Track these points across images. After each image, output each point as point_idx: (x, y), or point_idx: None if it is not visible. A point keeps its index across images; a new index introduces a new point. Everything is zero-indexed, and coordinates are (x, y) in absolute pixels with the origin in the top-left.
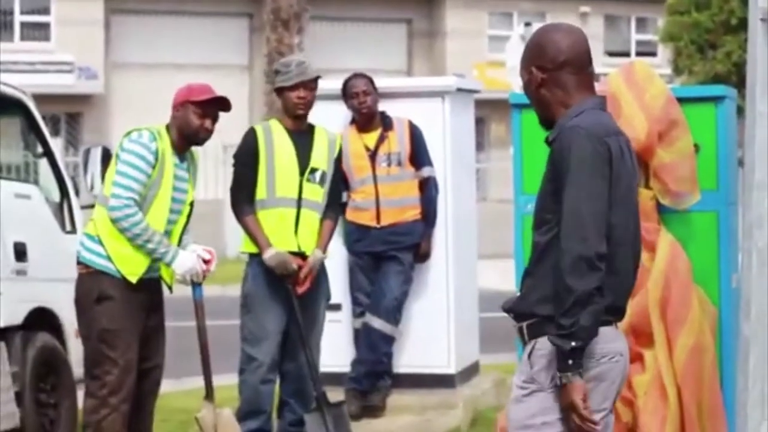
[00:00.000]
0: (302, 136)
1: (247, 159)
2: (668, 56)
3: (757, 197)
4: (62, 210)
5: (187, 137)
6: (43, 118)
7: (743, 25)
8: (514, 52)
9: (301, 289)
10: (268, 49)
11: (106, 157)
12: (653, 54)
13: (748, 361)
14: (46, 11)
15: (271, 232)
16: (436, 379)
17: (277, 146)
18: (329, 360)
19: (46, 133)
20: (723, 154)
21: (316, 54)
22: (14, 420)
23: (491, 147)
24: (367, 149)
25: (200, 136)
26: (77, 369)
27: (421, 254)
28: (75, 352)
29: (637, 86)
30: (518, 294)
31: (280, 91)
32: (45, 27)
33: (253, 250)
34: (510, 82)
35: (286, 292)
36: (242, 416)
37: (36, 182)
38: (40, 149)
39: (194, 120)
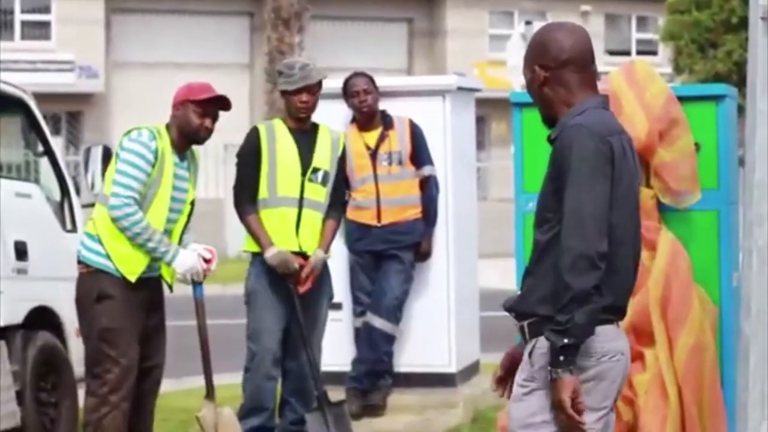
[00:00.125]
0: (305, 135)
1: (249, 158)
2: (669, 55)
3: (758, 196)
4: (63, 209)
5: (187, 136)
6: (44, 117)
7: (744, 23)
8: (514, 51)
9: (302, 289)
10: (268, 48)
11: (107, 156)
12: (654, 53)
13: (749, 360)
14: (46, 10)
15: (273, 231)
16: (437, 379)
17: (280, 146)
18: (330, 359)
19: (46, 132)
20: (723, 153)
21: (316, 53)
22: (15, 419)
23: (492, 146)
24: (368, 148)
25: (200, 135)
26: (78, 368)
27: (422, 253)
28: (75, 351)
29: (637, 85)
30: (519, 293)
31: (283, 92)
32: (46, 26)
33: (256, 249)
34: (511, 81)
35: (287, 291)
36: (245, 413)
37: (37, 181)
38: (40, 148)
39: (194, 119)
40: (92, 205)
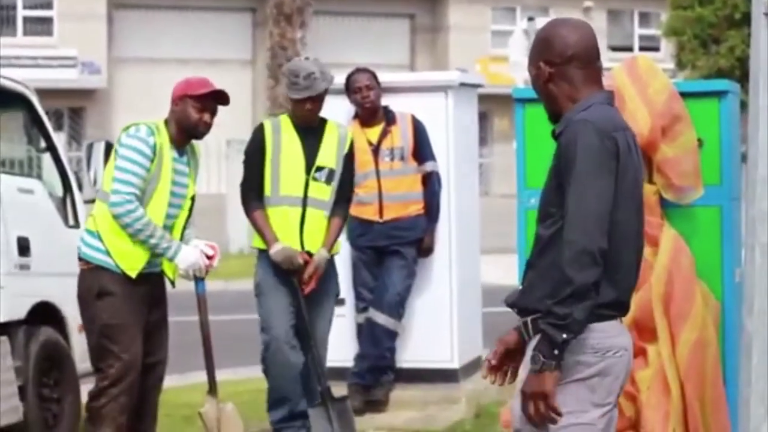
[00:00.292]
0: (311, 132)
1: (254, 155)
2: (671, 51)
3: (761, 192)
4: (65, 204)
5: (186, 131)
6: (46, 112)
7: (746, 19)
8: (517, 47)
9: (306, 289)
10: (271, 43)
11: (109, 151)
12: (656, 49)
13: (751, 356)
14: (48, 6)
15: (276, 230)
16: (439, 374)
17: (285, 144)
18: (332, 355)
19: (49, 128)
20: (726, 149)
21: (318, 49)
22: (17, 414)
23: (494, 142)
24: (370, 144)
25: (199, 130)
26: (80, 364)
27: (424, 249)
28: (78, 346)
29: (640, 81)
30: (520, 287)
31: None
32: (48, 22)
33: (263, 246)
34: (513, 77)
35: (293, 285)
36: (271, 405)
37: (39, 177)
38: (43, 144)
39: (193, 114)
40: (94, 201)
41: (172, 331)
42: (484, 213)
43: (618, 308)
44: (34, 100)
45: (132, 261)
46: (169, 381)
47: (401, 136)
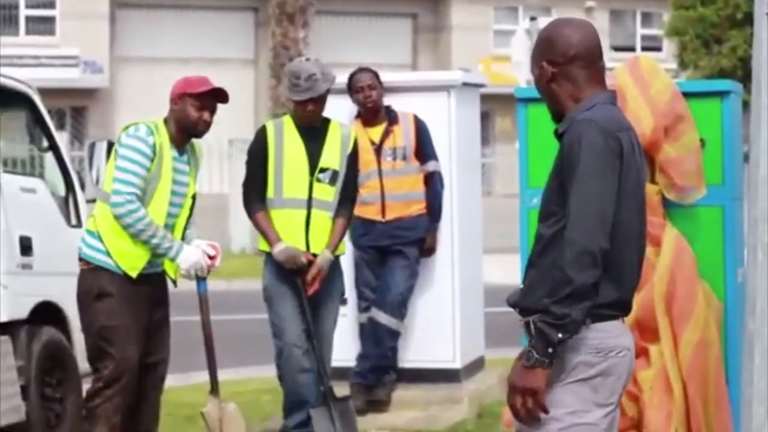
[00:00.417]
0: (314, 133)
1: (256, 158)
2: (673, 51)
3: (763, 192)
4: (67, 204)
5: (185, 130)
6: (49, 112)
7: (749, 19)
8: (519, 47)
9: (310, 291)
10: (273, 43)
11: (111, 151)
12: (658, 49)
13: (754, 356)
14: (51, 5)
15: (281, 233)
16: (442, 374)
17: (287, 145)
18: (334, 354)
19: (51, 127)
20: (728, 149)
21: (321, 48)
22: (20, 414)
23: (496, 141)
24: (372, 143)
25: (199, 129)
26: (82, 363)
27: (427, 249)
28: (80, 346)
29: (642, 81)
30: (521, 286)
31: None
32: (50, 21)
33: (269, 248)
34: (515, 77)
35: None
36: (288, 410)
37: (41, 176)
38: (45, 143)
39: (192, 112)
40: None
41: (174, 330)
42: (486, 213)
43: (620, 308)
44: (37, 99)
45: (133, 261)
46: (172, 380)
47: (403, 136)
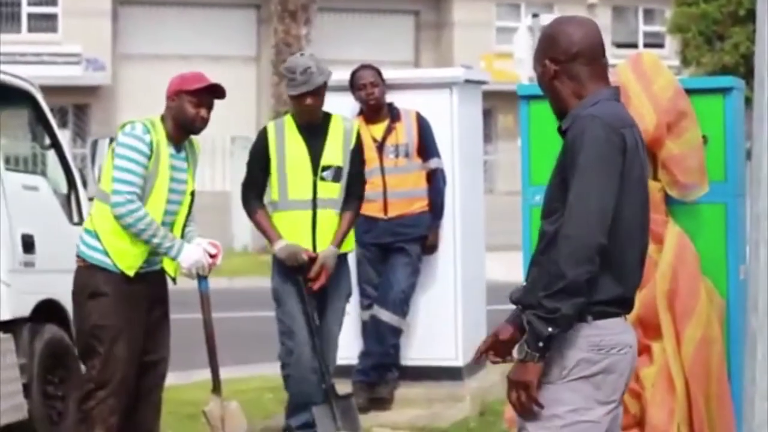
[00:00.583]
0: (315, 131)
1: (257, 160)
2: (676, 47)
3: (765, 189)
4: (70, 201)
5: (182, 127)
6: (51, 109)
7: (751, 16)
8: (521, 44)
9: (315, 286)
10: (275, 40)
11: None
12: (661, 45)
13: (756, 353)
14: (53, 2)
15: (287, 235)
16: (444, 372)
17: (289, 146)
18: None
19: (53, 125)
20: (731, 146)
21: (323, 45)
22: (22, 412)
23: (499, 138)
24: (375, 140)
25: (196, 125)
26: None
27: (429, 246)
28: None
29: (645, 77)
30: (525, 284)
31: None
32: (52, 18)
33: None
34: (518, 74)
35: (309, 284)
36: (292, 410)
37: (44, 174)
38: (47, 141)
39: (189, 109)
40: None
41: (176, 328)
42: (488, 210)
43: (622, 305)
44: (39, 96)
45: (130, 260)
46: (174, 378)
47: (406, 133)
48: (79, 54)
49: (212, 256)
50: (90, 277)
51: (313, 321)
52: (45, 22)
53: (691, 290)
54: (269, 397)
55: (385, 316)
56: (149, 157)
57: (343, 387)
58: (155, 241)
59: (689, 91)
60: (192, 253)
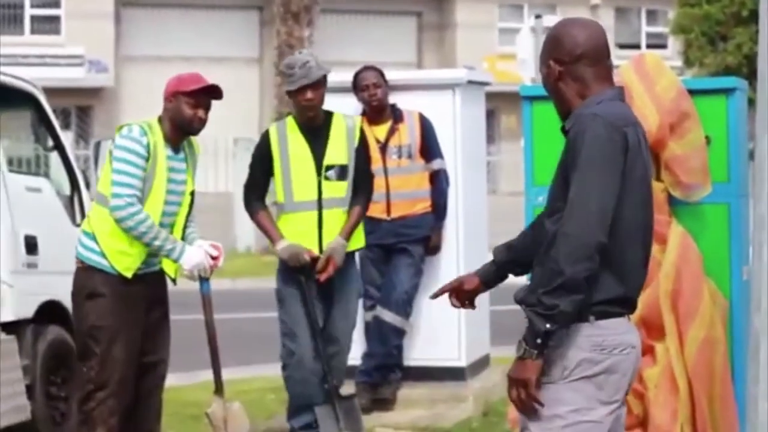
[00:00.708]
0: (317, 131)
1: (259, 163)
2: (679, 48)
3: None
4: (73, 203)
5: (180, 128)
6: (54, 111)
7: (754, 16)
8: (524, 45)
9: (323, 277)
10: (278, 41)
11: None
12: (664, 46)
13: (759, 354)
14: (56, 4)
15: (295, 236)
16: (447, 372)
17: (292, 147)
18: None
19: (56, 127)
20: (734, 146)
21: (326, 47)
22: (25, 413)
23: (502, 139)
24: (378, 141)
25: (194, 126)
26: None
27: (432, 247)
28: None
29: (647, 78)
30: (528, 283)
31: (288, 92)
32: (55, 20)
33: None
34: (520, 75)
35: (311, 284)
36: (293, 412)
37: (47, 175)
38: (50, 142)
39: (187, 110)
40: None
41: (179, 329)
42: (491, 211)
43: (625, 305)
44: (42, 98)
45: (128, 262)
46: (177, 379)
47: (409, 134)
48: (81, 56)
49: (214, 258)
50: (88, 278)
51: (316, 322)
52: (48, 24)
53: (695, 291)
54: (272, 397)
55: (388, 316)
56: (147, 159)
57: (345, 387)
58: (156, 243)
59: (692, 92)
60: (193, 255)
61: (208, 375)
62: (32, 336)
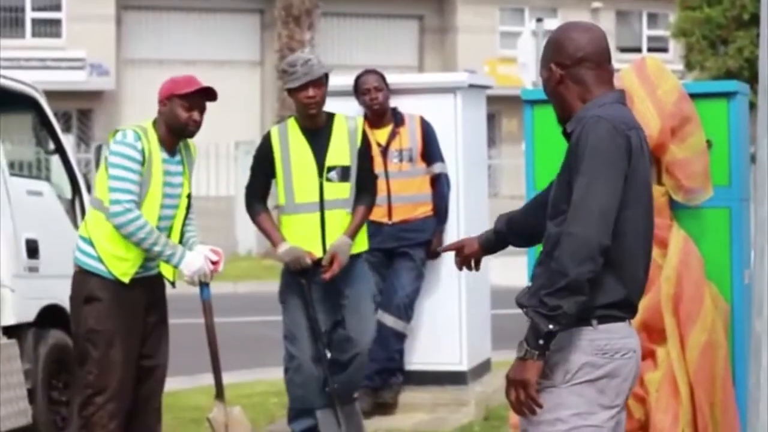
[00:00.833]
0: (319, 133)
1: (260, 165)
2: (680, 52)
3: None
4: (74, 207)
5: (175, 131)
6: (55, 114)
7: (755, 20)
8: (525, 48)
9: (327, 275)
10: (279, 45)
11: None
12: (665, 50)
13: (761, 358)
14: (57, 8)
15: (296, 238)
16: (448, 377)
17: (293, 149)
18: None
19: (57, 130)
20: (735, 150)
21: (327, 50)
22: (26, 417)
23: (503, 143)
24: (379, 145)
25: (189, 129)
26: None
27: (433, 251)
28: None
29: (649, 82)
30: (529, 285)
31: (289, 91)
32: (56, 23)
33: None
34: (521, 78)
35: (319, 289)
36: (293, 416)
37: (48, 179)
38: (51, 146)
39: (182, 113)
40: None
41: (181, 333)
42: (492, 214)
43: (626, 309)
44: (43, 101)
45: (125, 267)
46: (178, 383)
47: (410, 138)
48: (83, 59)
49: (214, 263)
50: (85, 282)
51: (317, 326)
52: (49, 28)
53: (696, 295)
54: (274, 401)
55: (390, 320)
56: (142, 164)
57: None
58: (156, 249)
59: (693, 96)
60: (194, 260)
61: (209, 379)
62: (34, 340)
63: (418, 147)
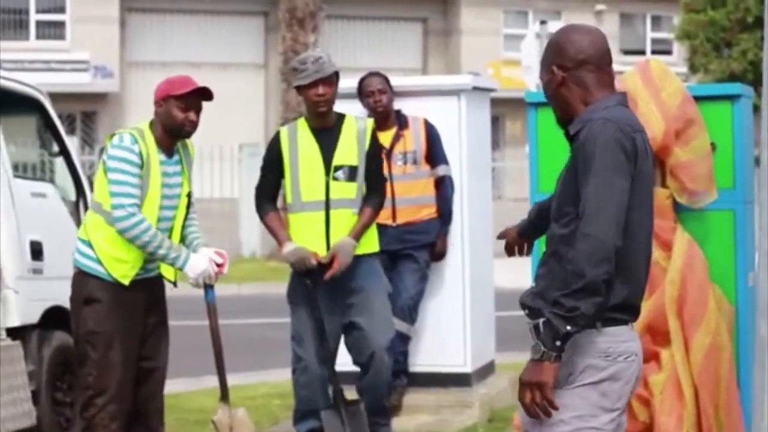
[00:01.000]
0: (328, 133)
1: (270, 165)
2: (684, 54)
3: None
4: (78, 208)
5: (172, 132)
6: (59, 116)
7: (759, 23)
8: (529, 51)
9: (327, 275)
10: (283, 47)
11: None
12: (669, 52)
13: (765, 360)
14: (61, 10)
15: (301, 237)
16: (452, 378)
17: (301, 147)
18: (344, 358)
19: (62, 132)
20: (739, 153)
21: (331, 53)
22: (31, 419)
23: (506, 145)
24: (383, 148)
25: (185, 129)
26: None
27: (437, 253)
28: None
29: (653, 84)
30: (532, 286)
31: (299, 89)
32: (60, 26)
33: None
34: (525, 81)
35: (325, 289)
36: (299, 417)
37: (52, 181)
38: (56, 148)
39: (178, 114)
40: None
41: (185, 334)
42: (496, 217)
43: (629, 311)
44: (47, 104)
45: (124, 269)
46: (183, 385)
47: (414, 140)
48: (87, 61)
49: (218, 266)
50: (85, 283)
51: (323, 327)
52: (53, 30)
53: (700, 297)
54: (277, 403)
55: (394, 322)
56: (141, 167)
57: (351, 393)
58: (161, 252)
59: (697, 98)
60: (198, 263)
61: (213, 381)
62: (38, 342)
63: (422, 149)
